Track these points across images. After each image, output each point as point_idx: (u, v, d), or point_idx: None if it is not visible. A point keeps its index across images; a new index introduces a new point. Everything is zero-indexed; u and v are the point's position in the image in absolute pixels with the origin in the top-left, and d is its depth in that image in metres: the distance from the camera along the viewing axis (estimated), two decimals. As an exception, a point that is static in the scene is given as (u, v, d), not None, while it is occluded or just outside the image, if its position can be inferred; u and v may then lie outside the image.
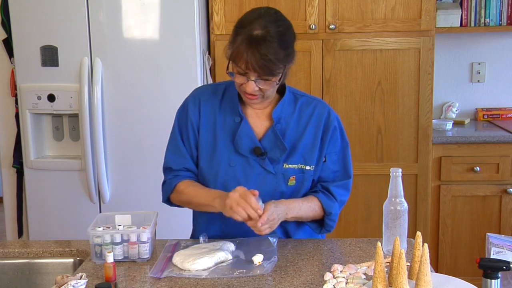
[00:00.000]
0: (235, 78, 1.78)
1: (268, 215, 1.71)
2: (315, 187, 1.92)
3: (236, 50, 1.73)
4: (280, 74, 1.77)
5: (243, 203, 1.69)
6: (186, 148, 1.93)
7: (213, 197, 1.82)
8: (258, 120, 1.90)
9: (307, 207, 1.85)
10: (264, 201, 1.75)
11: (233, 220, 1.75)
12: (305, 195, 1.90)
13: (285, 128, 1.88)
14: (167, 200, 1.99)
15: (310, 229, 1.96)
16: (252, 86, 1.76)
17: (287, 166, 1.86)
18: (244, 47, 1.70)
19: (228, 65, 1.80)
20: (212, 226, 1.93)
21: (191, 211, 2.04)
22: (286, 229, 1.94)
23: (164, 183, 1.99)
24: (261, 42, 1.69)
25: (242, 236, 1.84)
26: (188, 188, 1.90)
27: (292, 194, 1.88)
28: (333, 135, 1.90)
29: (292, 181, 1.87)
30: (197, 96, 1.96)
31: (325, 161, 1.90)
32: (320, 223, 1.92)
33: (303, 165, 1.87)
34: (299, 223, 1.94)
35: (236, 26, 1.78)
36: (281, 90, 1.91)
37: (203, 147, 1.91)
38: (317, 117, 1.90)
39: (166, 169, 1.98)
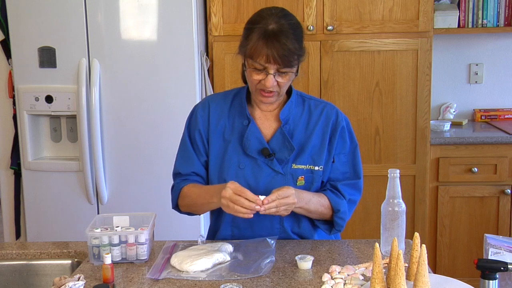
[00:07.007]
0: (252, 75, 1.79)
1: (280, 194, 1.70)
2: (324, 186, 1.93)
3: (254, 46, 1.75)
4: (296, 66, 1.80)
5: (236, 198, 1.69)
6: (196, 153, 1.94)
7: (211, 194, 1.82)
8: (266, 122, 1.92)
9: (316, 201, 1.85)
10: None
11: (244, 222, 1.77)
12: None
13: (293, 129, 1.90)
14: (176, 206, 1.99)
15: (324, 232, 1.96)
16: (271, 80, 1.77)
17: (295, 167, 1.87)
18: (263, 41, 1.73)
19: (243, 64, 1.82)
20: (223, 228, 1.94)
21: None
22: (301, 234, 1.94)
23: (172, 188, 2.00)
24: (278, 34, 1.73)
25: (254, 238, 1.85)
26: (190, 190, 1.91)
27: None
28: (342, 136, 1.92)
29: (301, 181, 1.87)
30: (206, 101, 1.98)
31: (333, 161, 1.91)
32: (331, 223, 1.93)
33: (312, 166, 1.88)
34: (313, 226, 1.95)
35: (249, 25, 1.80)
36: (288, 92, 1.93)
37: (213, 150, 1.92)
38: (326, 118, 1.91)
39: (176, 175, 1.99)
